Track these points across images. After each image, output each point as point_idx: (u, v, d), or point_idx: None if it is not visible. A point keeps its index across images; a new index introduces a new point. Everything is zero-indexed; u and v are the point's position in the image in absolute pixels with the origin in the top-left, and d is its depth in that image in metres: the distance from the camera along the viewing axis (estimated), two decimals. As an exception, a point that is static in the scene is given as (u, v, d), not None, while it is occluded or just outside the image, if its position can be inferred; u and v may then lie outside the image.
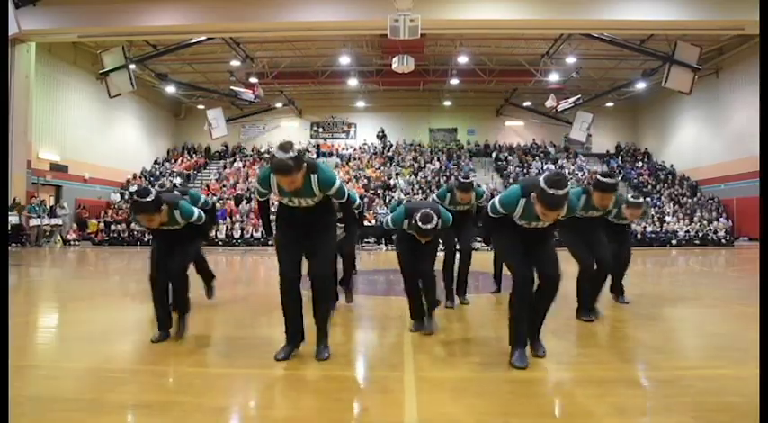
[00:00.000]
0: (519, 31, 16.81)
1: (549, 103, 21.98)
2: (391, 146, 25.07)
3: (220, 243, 17.33)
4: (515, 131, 26.14)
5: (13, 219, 14.58)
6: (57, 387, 2.58)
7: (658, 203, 20.04)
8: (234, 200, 19.97)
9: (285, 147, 2.74)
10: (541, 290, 3.00)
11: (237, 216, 18.75)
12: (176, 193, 4.42)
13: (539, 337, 3.09)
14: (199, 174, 24.09)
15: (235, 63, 20.01)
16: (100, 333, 3.87)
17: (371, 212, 17.73)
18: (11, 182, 14.76)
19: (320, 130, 26.53)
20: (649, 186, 21.75)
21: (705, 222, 18.43)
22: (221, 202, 19.87)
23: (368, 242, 16.76)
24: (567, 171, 21.56)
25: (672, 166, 23.08)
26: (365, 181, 21.33)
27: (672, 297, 5.70)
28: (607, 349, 3.43)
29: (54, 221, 16.71)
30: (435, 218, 3.53)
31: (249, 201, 19.43)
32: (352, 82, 22.03)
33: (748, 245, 17.42)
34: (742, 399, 2.37)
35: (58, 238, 16.78)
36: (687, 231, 18.08)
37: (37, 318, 4.75)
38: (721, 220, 18.51)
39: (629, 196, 4.63)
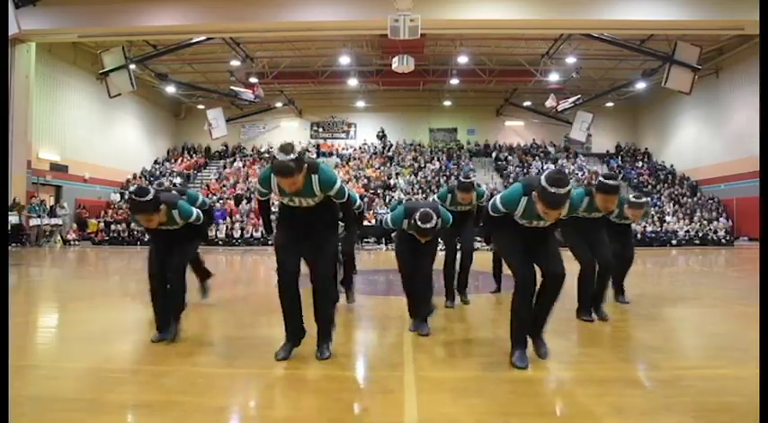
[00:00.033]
0: (519, 31, 16.81)
1: (549, 103, 21.99)
2: (391, 146, 25.08)
3: (220, 243, 17.33)
4: (515, 131, 26.15)
5: (13, 219, 14.58)
6: (57, 387, 2.58)
7: (658, 203, 20.04)
8: (234, 200, 19.97)
9: (286, 148, 2.73)
10: (545, 288, 2.98)
11: (237, 216, 18.76)
12: (174, 192, 4.41)
13: (541, 337, 3.07)
14: (199, 174, 24.10)
15: (235, 63, 20.01)
16: (100, 333, 3.87)
17: (371, 212, 17.73)
18: (11, 182, 14.77)
19: (320, 130, 26.54)
20: (649, 186, 21.75)
21: (705, 222, 18.43)
22: (221, 201, 19.88)
23: (368, 242, 16.76)
24: (567, 171, 21.55)
25: (672, 166, 23.08)
26: (365, 181, 21.33)
27: (672, 297, 5.70)
28: (607, 349, 3.43)
29: (54, 221, 16.72)
30: (435, 217, 3.52)
31: (249, 201, 19.43)
32: (352, 82, 22.03)
33: (748, 245, 17.42)
34: (742, 399, 2.36)
35: (58, 237, 16.79)
36: (687, 231, 18.08)
37: (37, 318, 4.75)
38: (721, 219, 18.52)
39: (631, 196, 4.60)
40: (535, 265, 2.98)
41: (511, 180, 21.72)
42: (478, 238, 4.69)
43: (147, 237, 3.87)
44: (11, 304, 4.44)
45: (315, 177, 2.92)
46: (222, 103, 22.79)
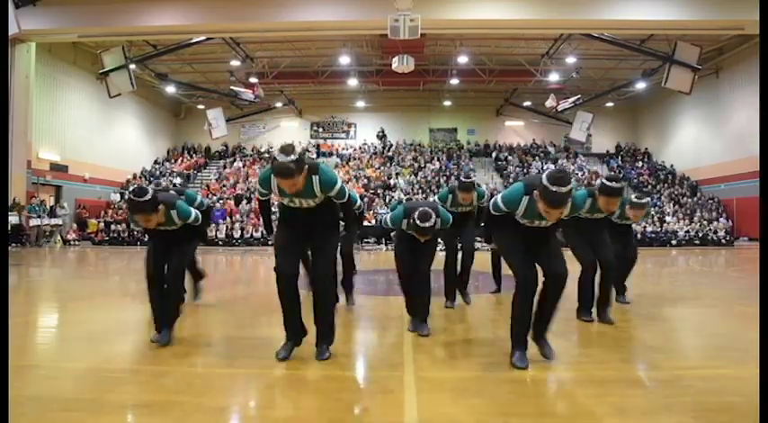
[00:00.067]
0: (519, 31, 16.81)
1: (549, 102, 21.99)
2: (391, 146, 25.08)
3: (220, 243, 17.34)
4: (515, 131, 26.15)
5: (13, 219, 14.58)
6: (57, 387, 2.58)
7: (658, 203, 20.04)
8: (234, 200, 19.97)
9: (287, 150, 2.72)
10: (548, 288, 2.96)
11: (237, 216, 18.76)
12: (172, 192, 4.38)
13: (545, 337, 3.03)
14: (199, 174, 24.10)
15: (235, 63, 20.01)
16: (100, 333, 3.87)
17: (371, 212, 17.73)
18: (11, 182, 14.76)
19: (320, 129, 26.54)
20: (649, 186, 21.75)
21: (705, 222, 18.43)
22: (221, 202, 19.88)
23: (368, 242, 16.76)
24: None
25: (672, 166, 23.08)
26: (365, 181, 21.33)
27: (672, 297, 5.70)
28: (607, 349, 3.43)
29: (54, 221, 16.71)
30: (434, 216, 3.51)
31: (249, 201, 19.44)
32: (352, 82, 22.03)
33: (748, 245, 17.42)
34: (742, 399, 2.37)
35: (58, 238, 16.79)
36: (687, 231, 18.08)
37: (37, 318, 4.75)
38: (721, 220, 18.51)
39: (633, 196, 4.58)
40: (537, 266, 2.96)
41: (511, 180, 21.72)
42: (479, 238, 4.68)
43: (146, 237, 3.83)
44: (11, 304, 4.44)
45: (315, 178, 2.91)
46: (222, 103, 22.79)
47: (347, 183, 18.46)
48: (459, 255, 4.84)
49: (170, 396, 2.46)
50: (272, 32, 16.30)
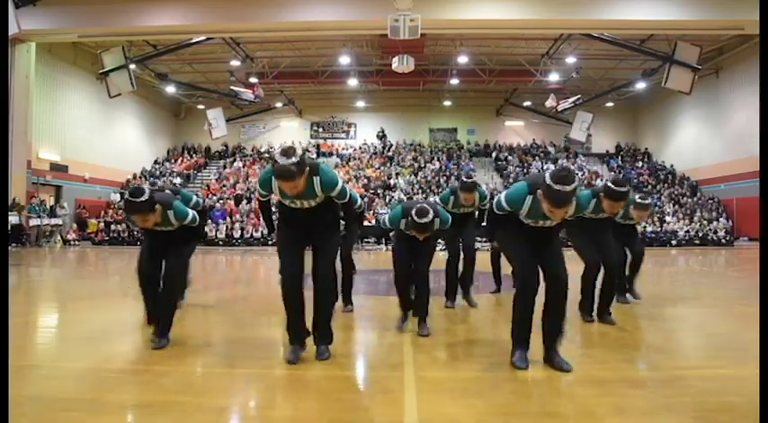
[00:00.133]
0: (519, 31, 16.82)
1: (549, 103, 21.99)
2: (391, 146, 25.08)
3: (220, 243, 17.34)
4: (515, 131, 26.15)
5: (13, 219, 14.58)
6: (57, 387, 2.58)
7: (658, 203, 20.04)
8: (234, 200, 19.98)
9: (287, 152, 2.69)
10: (550, 293, 2.90)
11: (237, 216, 18.76)
12: (167, 192, 4.35)
13: (557, 349, 2.87)
14: (199, 174, 24.11)
15: (235, 63, 20.02)
16: (100, 333, 3.86)
17: (371, 212, 17.73)
18: (11, 182, 14.77)
19: (320, 129, 26.54)
20: (649, 186, 21.75)
21: (705, 222, 18.43)
22: (221, 202, 19.88)
23: (368, 242, 16.76)
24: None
25: (672, 166, 23.08)
26: (365, 181, 21.34)
27: (672, 297, 5.70)
28: (607, 349, 3.42)
29: (54, 221, 16.72)
30: (431, 213, 3.49)
31: (249, 201, 19.44)
32: (352, 82, 22.03)
33: (748, 245, 17.42)
34: (742, 399, 2.36)
35: (58, 238, 16.79)
36: (687, 231, 18.08)
37: (37, 318, 4.75)
38: (721, 220, 18.52)
39: (637, 197, 4.54)
40: (538, 267, 2.93)
41: (511, 180, 21.73)
42: (480, 238, 4.66)
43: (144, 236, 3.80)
44: (11, 304, 4.44)
45: (316, 179, 2.90)
46: (222, 103, 22.79)
47: (347, 183, 18.46)
48: (461, 256, 4.82)
49: (170, 396, 2.46)
50: (272, 32, 16.31)
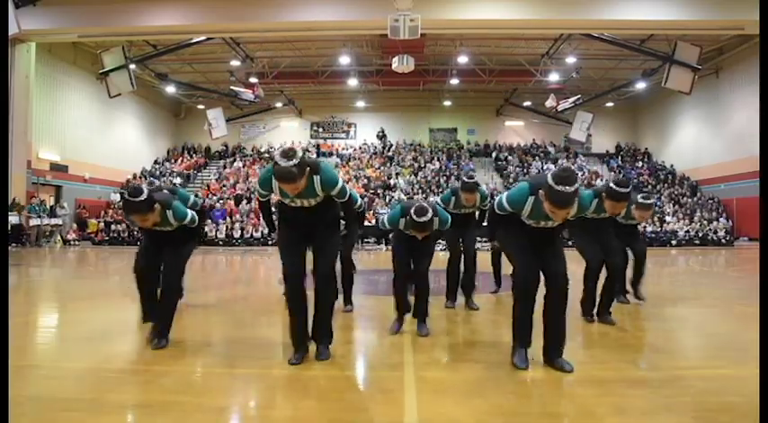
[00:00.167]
0: (519, 31, 16.81)
1: (549, 103, 21.98)
2: (391, 146, 25.08)
3: (220, 243, 17.34)
4: (515, 131, 26.15)
5: (13, 219, 14.58)
6: (57, 387, 2.58)
7: (658, 203, 20.04)
8: (234, 200, 19.98)
9: (288, 154, 2.68)
10: (550, 292, 2.88)
11: (237, 216, 18.76)
12: (165, 191, 4.33)
13: (561, 354, 2.85)
14: (199, 174, 24.10)
15: (235, 63, 20.01)
16: (100, 333, 3.87)
17: (371, 212, 17.73)
18: (11, 182, 14.76)
19: (320, 129, 26.54)
20: (649, 186, 21.75)
21: (705, 222, 18.43)
22: (221, 202, 19.88)
23: (368, 242, 16.76)
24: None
25: (672, 166, 23.08)
26: (365, 181, 21.34)
27: (672, 297, 5.70)
28: (607, 349, 3.43)
29: (54, 221, 16.71)
30: (430, 211, 3.49)
31: (249, 201, 19.44)
32: (352, 82, 22.03)
33: (748, 245, 17.42)
34: (742, 399, 2.37)
35: (58, 238, 16.79)
36: (687, 231, 18.08)
37: (37, 318, 4.75)
38: (721, 220, 18.51)
39: (639, 197, 4.53)
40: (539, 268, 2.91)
41: (511, 180, 21.73)
42: (481, 238, 4.65)
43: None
44: (11, 304, 4.44)
45: (317, 178, 2.90)
46: (222, 103, 22.79)
47: (347, 183, 18.45)
48: (462, 258, 4.81)
49: (170, 396, 2.46)
50: (272, 32, 16.30)
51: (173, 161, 24.64)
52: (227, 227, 17.94)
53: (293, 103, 24.99)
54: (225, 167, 23.98)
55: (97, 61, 17.05)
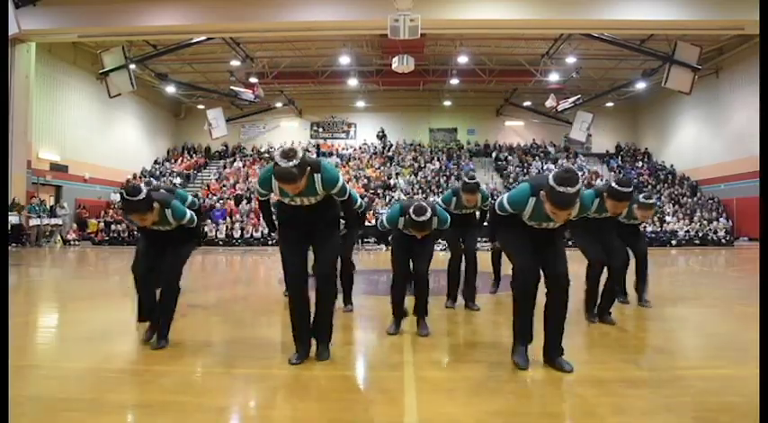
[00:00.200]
0: (519, 31, 16.81)
1: (549, 103, 21.99)
2: (391, 146, 25.08)
3: (220, 243, 17.34)
4: (515, 131, 26.15)
5: (13, 219, 14.58)
6: (57, 387, 2.58)
7: (658, 203, 20.04)
8: (234, 200, 19.98)
9: (288, 154, 2.66)
10: (551, 292, 2.87)
11: (237, 216, 18.76)
12: (163, 191, 4.32)
13: (562, 353, 2.86)
14: (199, 174, 24.11)
15: (235, 63, 20.01)
16: (100, 333, 3.87)
17: (371, 212, 17.73)
18: (11, 182, 14.76)
19: (320, 129, 26.54)
20: (649, 186, 21.75)
21: (705, 222, 18.43)
22: (221, 202, 19.88)
23: (368, 242, 16.76)
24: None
25: (672, 166, 23.08)
26: (365, 181, 21.34)
27: (672, 297, 5.69)
28: (607, 349, 3.43)
29: (54, 221, 16.72)
30: (429, 210, 3.48)
31: (249, 201, 19.44)
32: (352, 82, 22.03)
33: (748, 245, 17.42)
34: (742, 399, 2.37)
35: (58, 238, 16.79)
36: (687, 231, 18.08)
37: (37, 318, 4.76)
38: (721, 220, 18.52)
39: (641, 197, 4.51)
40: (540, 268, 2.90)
41: (511, 180, 21.73)
42: (482, 239, 4.63)
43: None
44: (11, 304, 4.44)
45: (317, 176, 2.89)
46: (222, 103, 22.79)
47: (347, 182, 18.45)
48: (463, 259, 4.80)
49: (170, 396, 2.46)
50: (272, 32, 16.30)
51: (173, 161, 24.65)
52: (227, 227, 17.94)
53: (293, 103, 24.99)
54: (225, 167, 23.99)
55: (97, 61, 17.04)
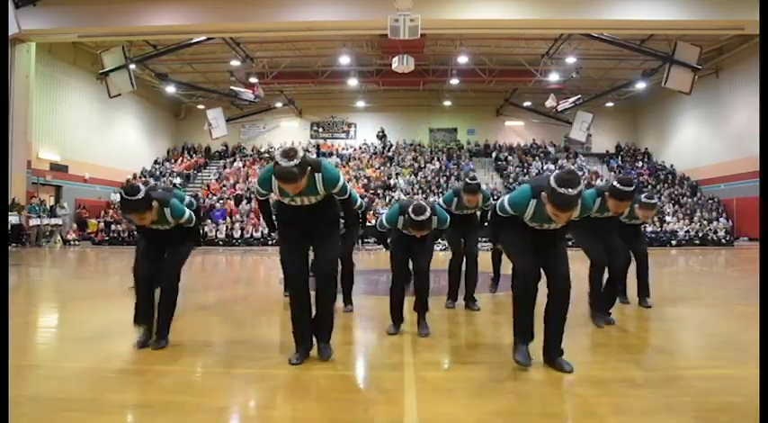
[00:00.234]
0: (519, 31, 16.81)
1: (549, 103, 21.99)
2: (391, 146, 25.08)
3: (220, 243, 17.34)
4: (515, 131, 26.15)
5: (13, 219, 14.58)
6: (57, 387, 2.58)
7: (659, 203, 20.04)
8: (234, 200, 19.98)
9: (288, 154, 2.65)
10: (552, 292, 2.87)
11: (237, 216, 18.76)
12: (160, 191, 4.30)
13: (562, 354, 2.86)
14: (199, 174, 24.11)
15: (235, 63, 20.01)
16: (100, 333, 3.87)
17: (371, 212, 17.73)
18: (11, 182, 14.77)
19: (320, 130, 26.54)
20: (649, 186, 21.75)
21: (705, 222, 18.43)
22: (221, 202, 19.88)
23: (368, 242, 16.76)
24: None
25: (672, 166, 23.08)
26: (365, 181, 21.34)
27: (672, 297, 5.69)
28: (607, 349, 3.43)
29: (54, 221, 16.72)
30: (428, 210, 3.48)
31: (249, 201, 19.44)
32: (352, 82, 22.03)
33: (748, 245, 17.42)
34: (742, 399, 2.37)
35: (58, 238, 16.79)
36: (687, 231, 18.08)
37: (37, 318, 4.75)
38: (721, 220, 18.52)
39: (643, 197, 4.49)
40: (540, 268, 2.89)
41: (511, 180, 21.74)
42: (483, 239, 4.62)
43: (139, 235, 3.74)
44: (11, 304, 4.44)
45: (318, 176, 2.88)
46: (222, 103, 22.79)
47: (347, 182, 18.42)
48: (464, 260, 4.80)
49: (170, 396, 2.46)
50: (272, 32, 16.30)
51: (173, 161, 24.65)
52: (227, 227, 17.94)
53: (293, 103, 24.99)
54: (225, 167, 23.99)
55: (97, 61, 17.04)
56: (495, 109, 25.64)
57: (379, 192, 20.29)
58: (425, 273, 3.83)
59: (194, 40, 17.14)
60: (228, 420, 2.28)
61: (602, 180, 20.38)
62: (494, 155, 24.66)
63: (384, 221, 3.89)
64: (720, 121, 20.08)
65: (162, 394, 2.49)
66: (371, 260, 11.96)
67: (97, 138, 20.57)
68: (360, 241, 15.35)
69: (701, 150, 21.42)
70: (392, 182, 21.42)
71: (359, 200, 4.56)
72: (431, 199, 16.19)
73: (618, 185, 3.75)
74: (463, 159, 23.97)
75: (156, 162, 24.31)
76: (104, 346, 3.47)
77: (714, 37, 17.11)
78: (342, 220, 3.42)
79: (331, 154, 24.38)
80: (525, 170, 22.70)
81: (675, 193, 20.98)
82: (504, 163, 23.79)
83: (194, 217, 3.57)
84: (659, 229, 18.14)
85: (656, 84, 18.62)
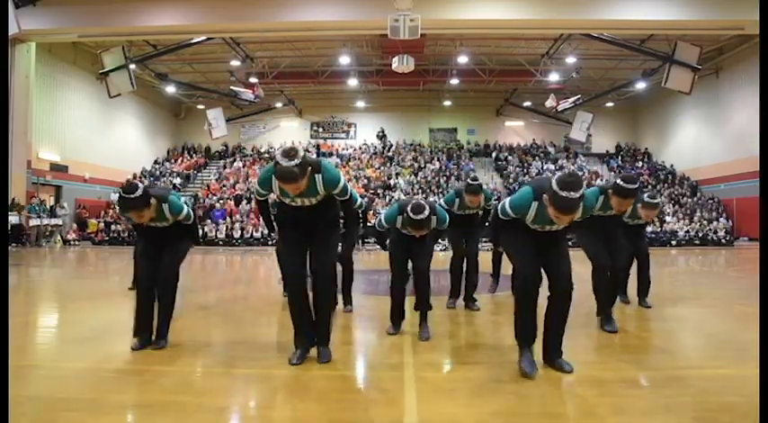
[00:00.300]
0: (519, 31, 16.81)
1: (549, 103, 21.99)
2: (391, 146, 25.08)
3: (220, 243, 17.33)
4: (515, 131, 26.15)
5: (13, 219, 14.58)
6: (57, 387, 2.58)
7: (661, 203, 20.01)
8: (234, 200, 19.98)
9: (289, 154, 2.65)
10: (554, 293, 2.86)
11: (237, 216, 18.76)
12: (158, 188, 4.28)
13: (561, 354, 2.86)
14: (199, 174, 24.10)
15: (235, 63, 20.01)
16: (100, 333, 3.87)
17: (371, 212, 17.72)
18: (11, 182, 14.76)
19: (320, 129, 26.54)
20: (649, 186, 21.75)
21: (705, 222, 18.43)
22: (221, 202, 19.88)
23: (368, 242, 16.76)
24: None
25: (672, 166, 23.08)
26: (365, 181, 21.34)
27: (672, 297, 5.69)
28: (607, 349, 3.43)
29: (54, 221, 16.72)
30: (427, 209, 3.46)
31: (249, 201, 19.44)
32: (352, 82, 22.03)
33: (748, 245, 17.42)
34: (742, 399, 2.36)
35: (58, 238, 16.79)
36: (687, 231, 18.08)
37: (37, 318, 4.75)
38: (721, 220, 18.52)
39: (646, 196, 4.48)
40: (542, 269, 2.89)
41: (511, 180, 21.74)
42: (485, 239, 4.61)
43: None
44: (11, 304, 4.44)
45: (319, 177, 2.88)
46: (222, 103, 22.78)
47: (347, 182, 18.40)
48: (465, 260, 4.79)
49: (170, 396, 2.46)
50: (272, 32, 16.30)
51: (173, 161, 24.65)
52: (227, 227, 17.94)
53: (293, 103, 24.99)
54: (225, 167, 23.99)
55: (97, 61, 17.04)
56: (495, 109, 25.64)
57: (379, 192, 20.29)
58: (425, 273, 3.82)
59: (194, 40, 17.14)
60: (228, 420, 2.28)
61: (602, 180, 20.38)
62: (494, 155, 24.66)
63: (383, 221, 3.88)
64: (720, 121, 20.08)
65: (162, 394, 2.49)
66: (371, 260, 11.96)
67: (97, 138, 20.57)
68: (360, 241, 15.33)
69: (700, 150, 21.42)
70: (392, 182, 21.42)
71: (359, 199, 4.56)
72: (431, 199, 16.18)
73: (621, 183, 3.71)
74: (463, 159, 23.97)
75: (156, 162, 24.31)
76: (104, 346, 3.47)
77: (714, 37, 17.11)
78: (342, 220, 3.42)
79: (331, 154, 24.38)
80: (525, 170, 22.70)
81: (675, 193, 20.99)
82: (504, 163, 23.79)
83: (192, 214, 3.56)
84: (659, 229, 18.13)
85: (656, 84, 18.62)
